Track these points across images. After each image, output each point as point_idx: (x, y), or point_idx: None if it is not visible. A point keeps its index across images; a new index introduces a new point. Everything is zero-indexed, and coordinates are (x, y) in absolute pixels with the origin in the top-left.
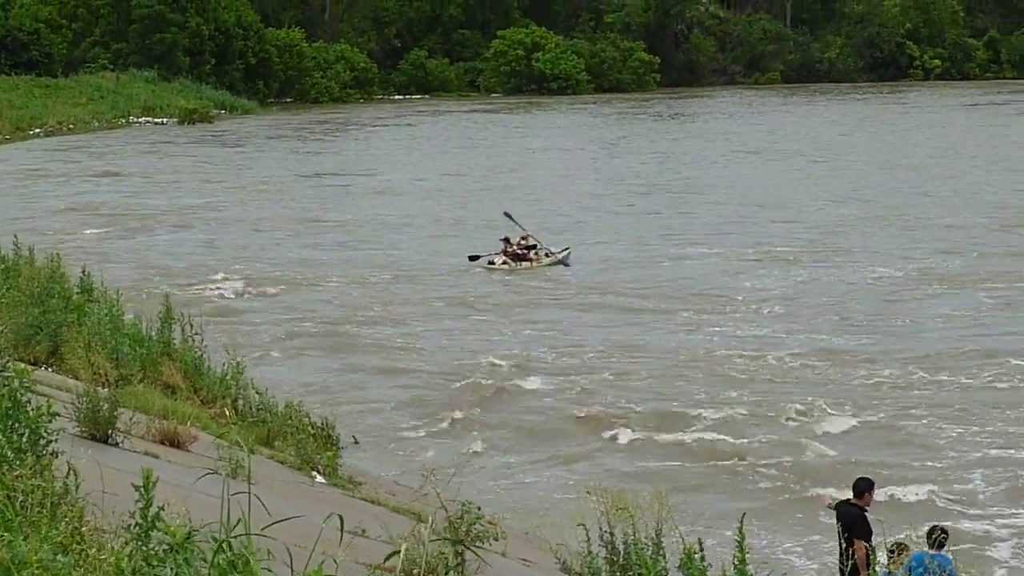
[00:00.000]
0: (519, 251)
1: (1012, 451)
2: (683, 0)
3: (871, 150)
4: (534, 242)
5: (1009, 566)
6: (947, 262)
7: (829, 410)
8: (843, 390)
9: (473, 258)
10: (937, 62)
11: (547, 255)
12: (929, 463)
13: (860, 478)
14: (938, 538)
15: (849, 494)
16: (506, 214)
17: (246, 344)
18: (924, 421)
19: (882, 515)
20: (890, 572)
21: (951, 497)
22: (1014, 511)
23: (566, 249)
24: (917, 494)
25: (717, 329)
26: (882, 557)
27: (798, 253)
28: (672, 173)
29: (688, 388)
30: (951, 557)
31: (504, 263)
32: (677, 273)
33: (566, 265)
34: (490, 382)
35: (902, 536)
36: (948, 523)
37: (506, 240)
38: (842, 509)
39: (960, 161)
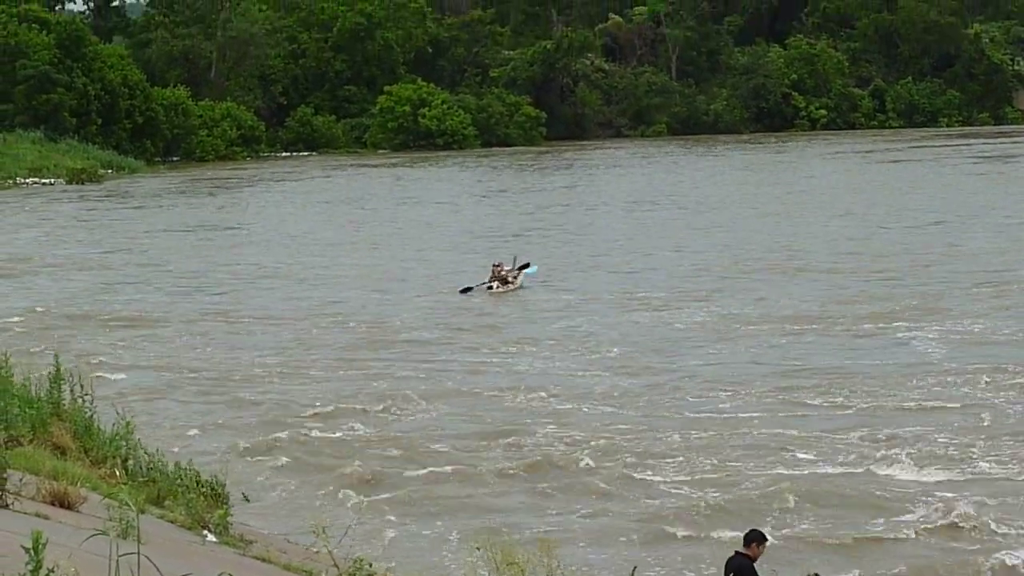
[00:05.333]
0: (504, 274)
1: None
2: (568, 54)
3: (740, 201)
4: (508, 268)
5: None
6: (772, 307)
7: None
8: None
9: (466, 290)
10: (823, 112)
11: (515, 278)
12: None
13: (751, 529)
14: None
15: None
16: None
17: (127, 399)
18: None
19: (777, 566)
20: None
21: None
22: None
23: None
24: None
25: (568, 371)
26: None
27: (638, 298)
28: (542, 222)
29: (551, 427)
30: None
31: (498, 286)
32: (523, 313)
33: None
34: (380, 435)
35: None
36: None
37: (496, 265)
38: (731, 559)
39: (818, 210)
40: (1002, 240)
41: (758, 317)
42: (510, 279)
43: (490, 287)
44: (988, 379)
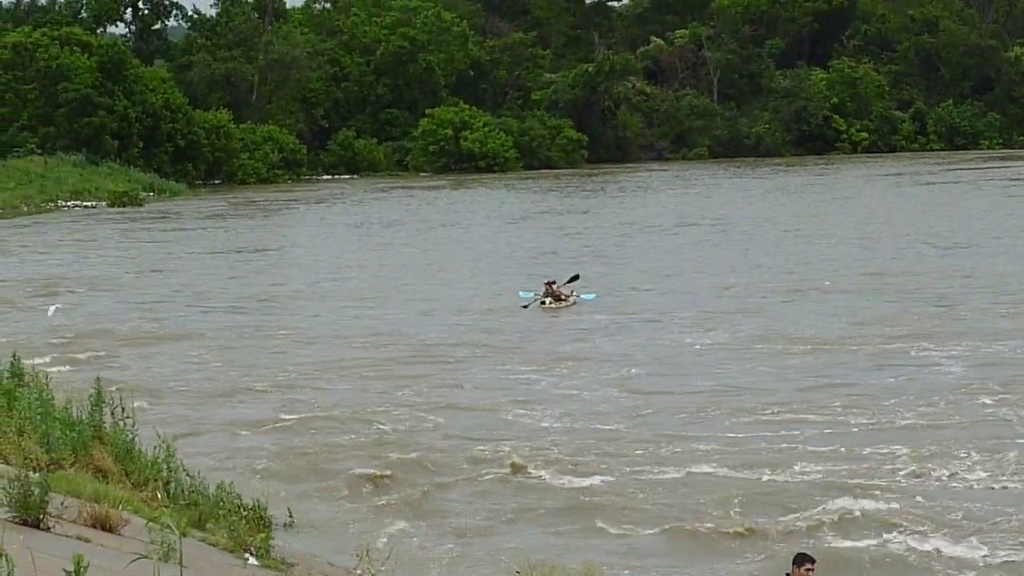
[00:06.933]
0: (558, 291)
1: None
2: (610, 77)
3: (778, 223)
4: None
5: None
6: (799, 327)
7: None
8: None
9: (526, 306)
10: (864, 135)
11: (572, 294)
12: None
13: (799, 552)
14: None
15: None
16: (524, 306)
17: (166, 419)
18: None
19: None
20: None
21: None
22: None
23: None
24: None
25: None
26: None
27: (668, 318)
28: (581, 244)
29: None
30: None
31: (551, 302)
32: (556, 334)
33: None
34: (423, 457)
35: None
36: None
37: (549, 283)
38: None
39: (852, 231)
40: None
41: (784, 337)
42: (563, 296)
43: (543, 302)
44: (1011, 398)
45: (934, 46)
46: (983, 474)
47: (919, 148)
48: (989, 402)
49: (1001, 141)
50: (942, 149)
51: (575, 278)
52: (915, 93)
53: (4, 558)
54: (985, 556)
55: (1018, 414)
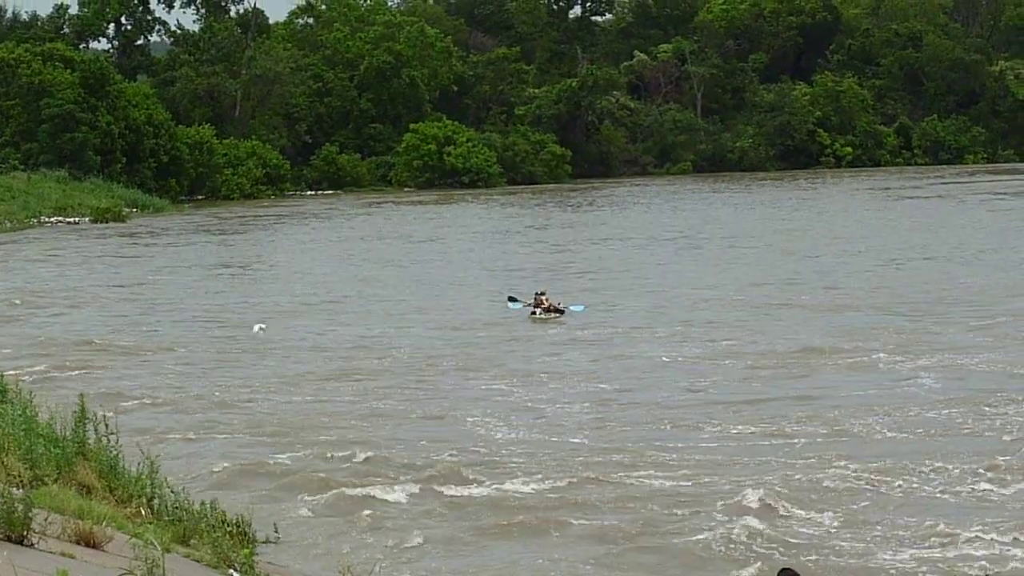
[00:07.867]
0: (548, 304)
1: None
2: (593, 91)
3: (758, 238)
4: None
5: None
6: (771, 341)
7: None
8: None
9: (512, 299)
10: (848, 149)
11: (557, 306)
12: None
13: (782, 568)
14: None
15: None
16: (510, 298)
17: (149, 435)
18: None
19: None
20: None
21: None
22: None
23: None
24: None
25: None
26: None
27: (645, 332)
28: (563, 258)
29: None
30: None
31: (540, 313)
32: (535, 348)
33: (561, 312)
34: (406, 472)
35: None
36: None
37: (539, 294)
38: None
39: (832, 246)
40: (1007, 276)
41: (757, 351)
42: (551, 307)
43: (533, 312)
44: (984, 410)
45: (918, 60)
46: (960, 484)
47: (904, 162)
48: (961, 413)
49: (986, 155)
50: (927, 163)
51: (560, 311)
52: (899, 107)
53: None
54: (959, 562)
55: (989, 426)
